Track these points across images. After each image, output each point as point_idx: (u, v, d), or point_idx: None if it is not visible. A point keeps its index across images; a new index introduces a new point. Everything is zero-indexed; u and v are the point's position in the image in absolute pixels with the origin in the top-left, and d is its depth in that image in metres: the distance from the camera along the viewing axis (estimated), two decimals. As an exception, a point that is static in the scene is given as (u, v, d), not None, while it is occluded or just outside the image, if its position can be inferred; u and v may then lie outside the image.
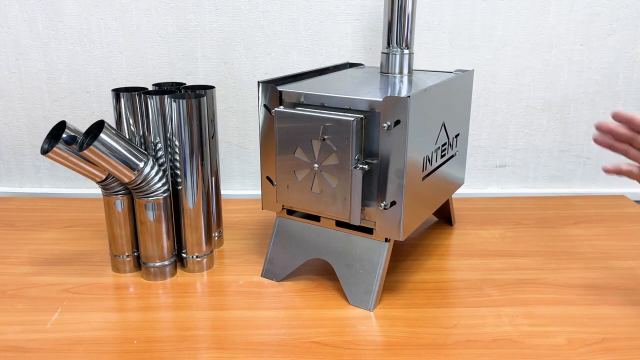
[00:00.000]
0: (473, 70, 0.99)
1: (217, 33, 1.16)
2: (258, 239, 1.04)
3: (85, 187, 1.27)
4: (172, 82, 0.98)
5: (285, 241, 0.88)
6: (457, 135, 0.94)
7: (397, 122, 0.72)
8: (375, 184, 0.77)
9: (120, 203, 0.88)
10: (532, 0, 1.15)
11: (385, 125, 0.73)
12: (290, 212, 0.86)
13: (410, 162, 0.75)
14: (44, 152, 0.79)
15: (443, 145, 0.88)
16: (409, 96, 0.71)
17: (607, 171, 0.77)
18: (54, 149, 0.78)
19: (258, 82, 0.82)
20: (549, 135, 1.25)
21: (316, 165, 0.78)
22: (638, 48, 1.18)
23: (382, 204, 0.77)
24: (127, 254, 0.91)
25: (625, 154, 0.77)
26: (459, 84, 0.92)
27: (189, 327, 0.77)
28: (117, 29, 1.16)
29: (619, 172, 0.77)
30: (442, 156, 0.89)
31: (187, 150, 0.85)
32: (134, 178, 0.83)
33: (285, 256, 0.88)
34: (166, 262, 0.89)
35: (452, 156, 0.94)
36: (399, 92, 0.83)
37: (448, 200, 1.05)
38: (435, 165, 0.86)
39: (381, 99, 0.73)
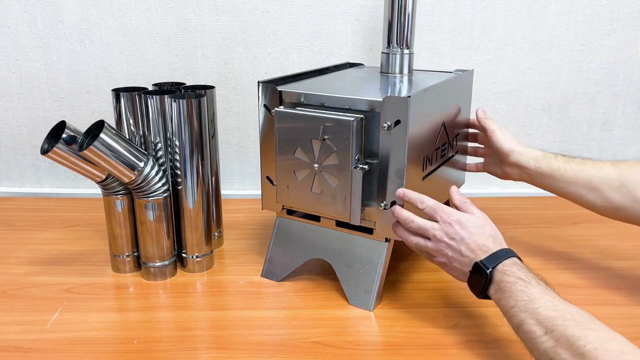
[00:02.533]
0: (473, 70, 0.98)
1: (217, 33, 1.16)
2: (258, 239, 1.04)
3: (85, 187, 1.27)
4: (172, 82, 0.98)
5: (285, 241, 0.88)
6: (457, 135, 0.94)
7: (397, 122, 0.72)
8: (375, 184, 0.77)
9: (120, 203, 0.88)
10: (532, 0, 1.15)
11: (385, 125, 0.73)
12: (290, 212, 0.86)
13: (410, 162, 0.75)
14: (44, 152, 0.79)
15: (443, 145, 0.88)
16: (409, 96, 0.71)
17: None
18: (54, 149, 0.78)
19: (258, 82, 0.82)
20: (549, 135, 1.25)
21: (316, 165, 0.78)
22: (638, 48, 1.18)
23: (382, 204, 0.77)
24: (127, 254, 0.91)
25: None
26: (459, 84, 0.92)
27: (189, 327, 0.77)
28: (117, 29, 1.16)
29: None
30: (442, 156, 0.89)
31: (187, 150, 0.85)
32: (134, 178, 0.83)
33: (285, 256, 0.88)
34: (166, 262, 0.89)
35: (452, 156, 0.94)
36: (399, 92, 0.83)
37: (448, 200, 1.05)
38: (435, 165, 0.86)
39: (381, 99, 0.73)
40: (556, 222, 1.10)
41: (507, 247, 0.70)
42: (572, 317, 0.58)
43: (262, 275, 0.90)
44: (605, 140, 1.25)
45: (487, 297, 0.68)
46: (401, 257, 0.96)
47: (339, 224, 0.82)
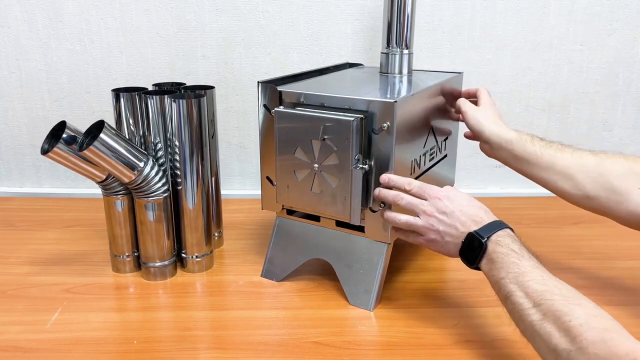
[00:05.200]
0: (462, 73, 0.98)
1: (217, 33, 1.16)
2: (258, 239, 1.04)
3: (85, 187, 1.27)
4: (172, 82, 0.98)
5: (285, 241, 0.88)
6: (446, 139, 0.94)
7: (386, 126, 0.73)
8: (372, 185, 0.77)
9: (120, 203, 0.88)
10: (532, 0, 1.15)
11: (385, 125, 0.73)
12: (290, 212, 0.86)
13: (398, 165, 0.75)
14: (44, 152, 0.79)
15: (432, 149, 0.88)
16: (395, 101, 0.71)
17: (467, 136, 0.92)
18: (54, 149, 0.78)
19: (258, 82, 0.82)
20: (549, 135, 1.23)
21: (316, 165, 0.78)
22: (638, 48, 1.18)
23: (381, 205, 0.77)
24: (127, 254, 0.91)
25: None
26: (448, 87, 0.92)
27: (189, 327, 0.77)
28: (117, 29, 1.16)
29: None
30: (430, 159, 0.89)
31: (187, 150, 0.85)
32: (134, 178, 0.83)
33: (285, 256, 0.88)
34: (166, 262, 0.89)
35: (442, 159, 0.94)
36: (399, 92, 0.83)
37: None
38: (423, 168, 0.86)
39: (381, 100, 0.73)
40: (556, 222, 1.10)
41: (498, 219, 0.70)
42: (560, 292, 0.59)
43: (262, 275, 0.90)
44: (605, 140, 1.25)
45: (478, 268, 0.68)
46: (401, 257, 0.96)
47: (339, 224, 0.82)
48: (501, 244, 0.65)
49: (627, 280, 0.89)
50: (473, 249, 0.67)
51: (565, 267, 0.93)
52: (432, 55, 1.18)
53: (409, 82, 0.90)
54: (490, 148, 0.84)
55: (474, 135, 0.87)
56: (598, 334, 0.53)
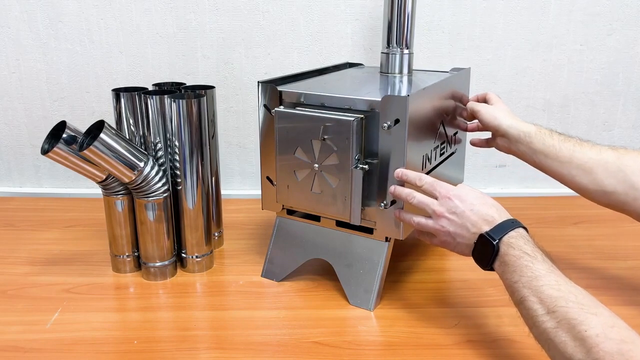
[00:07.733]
0: (469, 68, 0.98)
1: (217, 33, 1.16)
2: (258, 239, 1.04)
3: (85, 187, 1.27)
4: (172, 82, 0.98)
5: (285, 241, 0.88)
6: (455, 134, 0.94)
7: (397, 121, 0.72)
8: (375, 184, 0.77)
9: (120, 203, 0.88)
10: (532, 0, 1.15)
11: (385, 125, 0.73)
12: (291, 212, 0.86)
13: (409, 160, 0.75)
14: (44, 152, 0.79)
15: (442, 144, 0.88)
16: (408, 95, 0.71)
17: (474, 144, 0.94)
18: (54, 149, 0.78)
19: (258, 82, 0.82)
20: (549, 135, 1.25)
21: (316, 165, 0.78)
22: (638, 48, 1.18)
23: (383, 203, 0.77)
24: (127, 254, 0.91)
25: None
26: (457, 82, 0.92)
27: (189, 327, 0.77)
28: (117, 29, 1.16)
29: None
30: (441, 154, 0.89)
31: (187, 150, 0.85)
32: (134, 178, 0.83)
33: (285, 256, 0.88)
34: (166, 262, 0.89)
35: (451, 155, 0.94)
36: (399, 91, 0.83)
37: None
38: (434, 163, 0.86)
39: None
40: (556, 222, 1.10)
41: (512, 217, 0.68)
42: (575, 299, 0.57)
43: (262, 275, 0.90)
44: (605, 140, 1.25)
45: (493, 269, 0.67)
46: (401, 257, 0.96)
47: (339, 223, 0.82)
48: (513, 246, 0.64)
49: (627, 280, 0.89)
50: (485, 251, 0.66)
51: (565, 268, 0.92)
52: (432, 55, 1.18)
53: (410, 81, 0.90)
54: (508, 142, 0.83)
55: (487, 135, 0.86)
56: (615, 345, 0.52)
